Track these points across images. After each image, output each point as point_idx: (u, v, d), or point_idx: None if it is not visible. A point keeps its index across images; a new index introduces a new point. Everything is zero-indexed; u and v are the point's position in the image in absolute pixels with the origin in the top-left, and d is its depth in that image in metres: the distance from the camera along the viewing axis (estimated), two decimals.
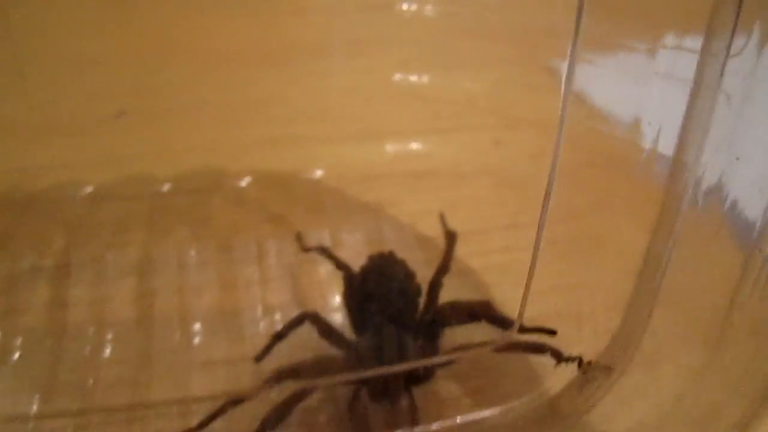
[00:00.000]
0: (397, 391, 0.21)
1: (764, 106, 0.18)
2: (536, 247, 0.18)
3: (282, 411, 0.20)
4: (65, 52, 0.29)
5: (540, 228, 0.18)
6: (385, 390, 0.21)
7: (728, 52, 0.20)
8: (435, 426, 0.21)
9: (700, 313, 0.21)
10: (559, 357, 0.20)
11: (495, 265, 0.29)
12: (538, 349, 0.21)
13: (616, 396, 0.22)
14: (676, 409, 0.20)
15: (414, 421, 0.21)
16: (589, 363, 0.21)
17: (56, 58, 0.28)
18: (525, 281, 0.21)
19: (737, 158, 0.18)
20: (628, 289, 0.21)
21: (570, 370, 0.22)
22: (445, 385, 0.22)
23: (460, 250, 0.28)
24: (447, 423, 0.20)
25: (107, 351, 0.25)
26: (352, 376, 0.20)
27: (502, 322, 0.20)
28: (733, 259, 0.20)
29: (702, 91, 0.20)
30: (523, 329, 0.19)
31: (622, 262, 0.23)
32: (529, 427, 0.22)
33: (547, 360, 0.21)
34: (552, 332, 0.19)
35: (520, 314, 0.19)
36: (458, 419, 0.20)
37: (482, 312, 0.20)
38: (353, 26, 0.33)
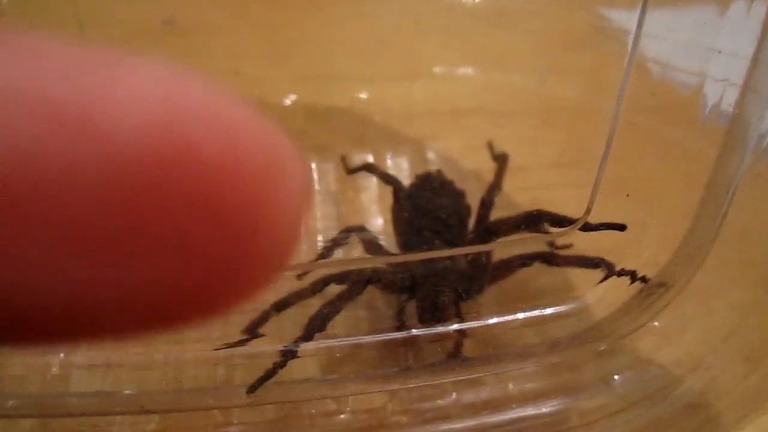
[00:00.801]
0: (446, 305, 0.20)
1: None
2: (608, 143, 0.17)
3: (328, 313, 0.19)
4: None
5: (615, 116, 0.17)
6: (434, 304, 0.20)
7: None
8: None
9: (756, 256, 0.20)
10: (612, 270, 0.20)
11: (539, 201, 0.28)
12: (592, 262, 0.20)
13: (665, 327, 0.21)
14: (725, 344, 0.20)
15: (461, 334, 0.20)
16: (645, 278, 0.20)
17: None
18: (569, 214, 0.21)
19: None
20: (692, 209, 0.20)
21: (618, 292, 0.21)
22: (491, 301, 0.22)
23: (505, 186, 0.27)
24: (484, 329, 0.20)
25: None
26: (401, 256, 0.20)
27: (563, 221, 0.19)
28: None
29: None
30: (588, 227, 0.18)
31: (683, 196, 0.22)
32: (571, 349, 0.21)
33: (597, 276, 0.21)
34: (621, 227, 0.18)
35: (588, 210, 0.18)
36: (490, 321, 0.20)
37: (541, 214, 0.19)
38: None
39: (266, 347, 0.19)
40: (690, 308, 0.20)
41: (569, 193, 0.29)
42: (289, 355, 0.18)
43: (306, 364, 0.20)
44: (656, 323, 0.20)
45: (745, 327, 0.19)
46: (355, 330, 0.22)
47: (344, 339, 0.20)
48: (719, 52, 0.18)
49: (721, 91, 0.19)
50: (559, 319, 0.21)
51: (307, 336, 0.18)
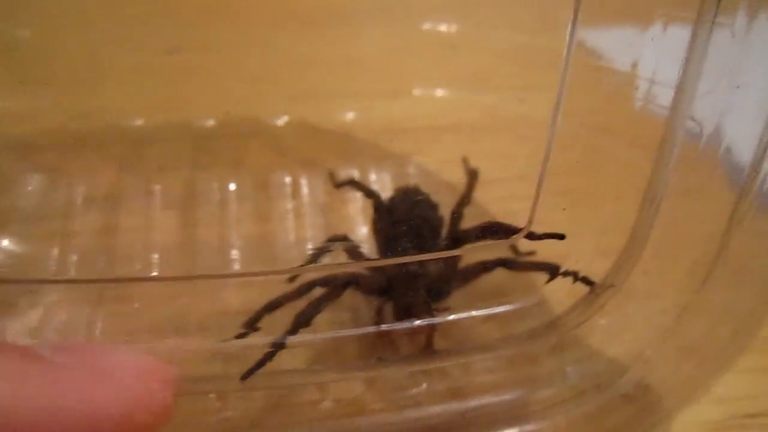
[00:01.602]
0: (418, 305, 0.23)
1: (764, 36, 0.19)
2: (546, 158, 0.20)
3: (311, 311, 0.22)
4: None
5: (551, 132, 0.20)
6: (407, 305, 0.23)
7: None
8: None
9: (689, 254, 0.22)
10: (556, 272, 0.22)
11: (511, 211, 0.31)
12: (542, 267, 0.23)
13: (610, 325, 0.23)
14: (661, 340, 0.22)
15: (431, 329, 0.23)
16: (588, 280, 0.22)
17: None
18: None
19: (737, 87, 0.19)
20: (630, 217, 0.23)
21: (568, 292, 0.24)
22: (459, 300, 0.24)
23: (480, 197, 0.30)
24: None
25: (153, 271, 0.28)
26: (381, 262, 0.22)
27: (509, 230, 0.22)
28: (724, 201, 0.21)
29: (702, 24, 0.21)
30: (532, 235, 0.21)
31: (621, 206, 0.24)
32: (528, 342, 0.24)
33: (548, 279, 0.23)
34: (561, 236, 0.21)
35: (530, 221, 0.21)
36: (456, 316, 0.22)
37: (492, 225, 0.22)
38: None
39: (258, 340, 0.22)
40: (631, 308, 0.23)
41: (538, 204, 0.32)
42: (278, 346, 0.21)
43: (293, 357, 0.23)
44: (603, 321, 0.23)
45: (678, 325, 0.22)
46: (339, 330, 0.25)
47: (327, 333, 0.22)
48: (648, 79, 0.21)
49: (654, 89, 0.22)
50: (518, 316, 0.23)
51: (293, 330, 0.21)
